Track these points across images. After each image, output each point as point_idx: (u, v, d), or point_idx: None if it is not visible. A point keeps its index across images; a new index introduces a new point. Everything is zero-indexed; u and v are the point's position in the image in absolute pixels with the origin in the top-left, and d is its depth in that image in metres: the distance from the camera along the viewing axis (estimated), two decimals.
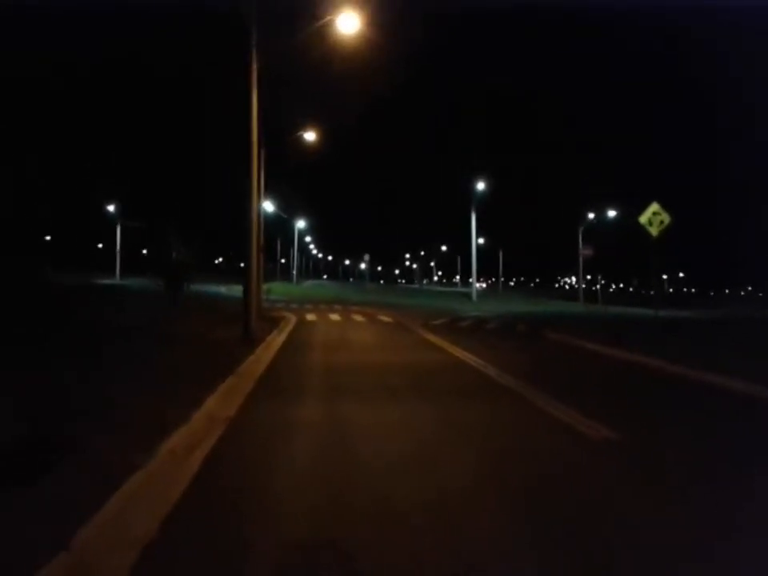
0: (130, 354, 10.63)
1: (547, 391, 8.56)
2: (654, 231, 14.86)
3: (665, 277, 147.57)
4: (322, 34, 14.13)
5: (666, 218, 14.78)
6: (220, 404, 7.36)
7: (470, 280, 55.20)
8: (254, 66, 13.14)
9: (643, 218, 14.98)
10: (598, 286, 60.74)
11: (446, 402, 7.79)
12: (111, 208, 68.10)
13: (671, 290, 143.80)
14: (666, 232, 14.76)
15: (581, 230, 56.56)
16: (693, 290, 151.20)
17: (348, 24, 12.83)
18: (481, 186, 44.67)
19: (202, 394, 7.33)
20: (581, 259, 26.37)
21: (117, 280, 60.81)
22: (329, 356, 12.32)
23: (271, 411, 7.23)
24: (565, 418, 7.04)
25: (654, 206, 14.89)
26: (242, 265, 14.08)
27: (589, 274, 68.43)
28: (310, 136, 27.34)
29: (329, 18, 12.73)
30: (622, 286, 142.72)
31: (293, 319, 22.08)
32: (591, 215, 57.10)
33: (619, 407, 7.96)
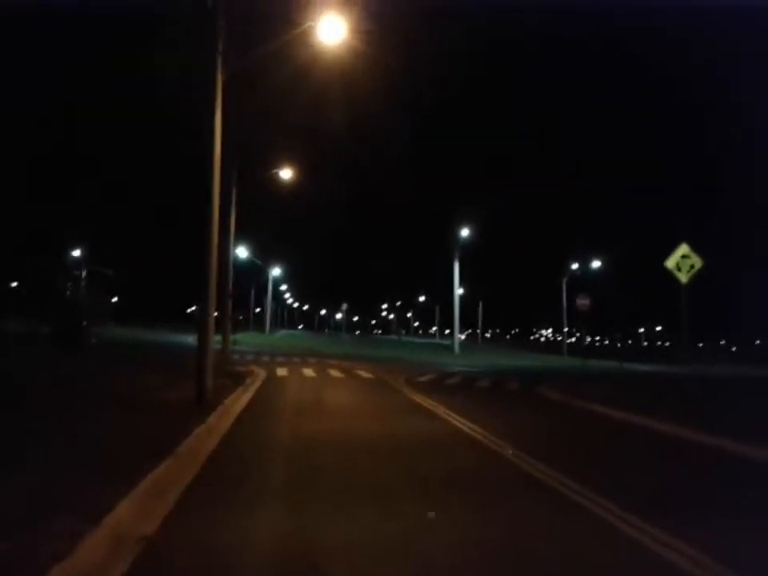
0: (33, 423, 8.24)
1: (599, 487, 6.32)
2: (683, 277, 13.00)
3: (641, 330, 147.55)
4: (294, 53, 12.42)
5: (696, 261, 12.97)
6: (138, 510, 5.06)
7: (452, 332, 53.24)
8: (219, 77, 11.20)
9: (671, 262, 13.13)
10: (588, 339, 59.23)
11: (468, 516, 5.41)
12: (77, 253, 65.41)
13: (645, 343, 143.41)
14: (696, 277, 12.92)
15: (564, 281, 55.45)
16: (667, 343, 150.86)
17: (330, 33, 11.02)
18: (465, 233, 43.25)
19: (114, 492, 5.03)
20: (577, 311, 24.44)
21: None
22: (300, 426, 10.02)
23: (213, 525, 4.94)
24: (667, 553, 4.59)
25: (683, 248, 13.07)
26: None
27: (567, 327, 67.05)
28: (285, 174, 25.57)
29: (308, 24, 10.91)
30: (603, 339, 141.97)
31: (261, 374, 19.70)
32: (575, 266, 56.28)
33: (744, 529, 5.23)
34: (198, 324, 11.63)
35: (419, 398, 14.60)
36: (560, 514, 5.47)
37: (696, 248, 13.01)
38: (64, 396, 10.71)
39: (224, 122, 12.12)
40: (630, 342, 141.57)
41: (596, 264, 55.01)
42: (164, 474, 6.16)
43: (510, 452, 8.17)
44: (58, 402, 10.08)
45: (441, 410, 12.40)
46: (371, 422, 10.56)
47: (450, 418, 11.30)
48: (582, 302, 24.48)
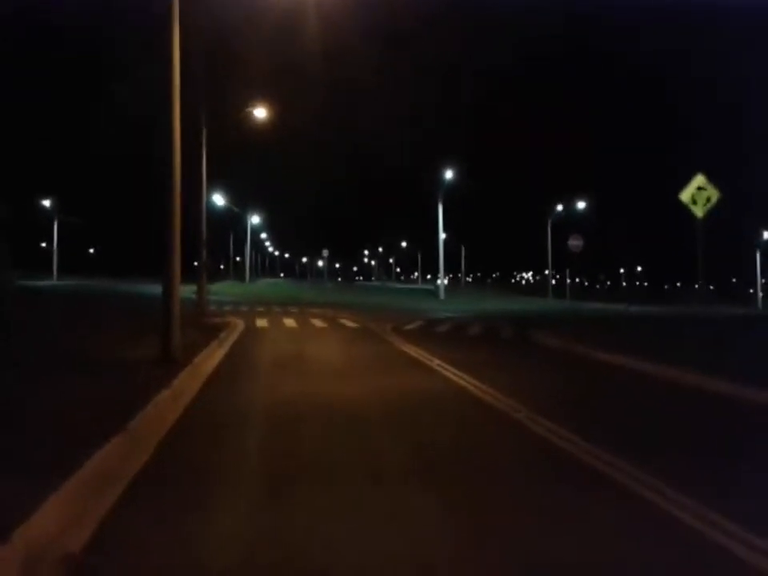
0: None
1: (656, 468, 5.10)
2: (699, 211, 11.79)
3: (621, 270, 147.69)
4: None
5: (713, 193, 11.73)
6: (66, 515, 3.86)
7: (436, 277, 52.24)
8: None
9: (685, 196, 11.88)
10: (568, 281, 58.44)
11: (494, 516, 4.14)
12: (47, 203, 62.69)
13: (624, 283, 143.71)
14: (712, 211, 11.72)
15: (549, 222, 54.30)
16: (645, 283, 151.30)
17: None
18: (449, 175, 41.63)
19: (35, 490, 3.82)
20: (570, 251, 23.37)
21: (54, 281, 55.84)
22: (279, 387, 8.81)
23: (162, 533, 3.76)
24: None
25: (699, 179, 11.81)
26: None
27: (548, 269, 66.35)
28: (260, 113, 23.80)
29: None
30: (584, 281, 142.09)
31: (239, 326, 18.43)
32: (560, 207, 55.05)
33: None
34: (162, 272, 10.26)
35: (409, 349, 13.49)
36: (621, 512, 4.28)
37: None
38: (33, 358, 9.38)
39: (184, 45, 10.53)
40: (608, 282, 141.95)
41: (581, 205, 53.84)
42: (108, 458, 4.94)
43: (523, 414, 7.07)
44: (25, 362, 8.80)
45: (435, 363, 11.30)
46: (359, 380, 9.40)
47: (446, 372, 10.20)
48: (575, 242, 23.40)
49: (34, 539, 3.49)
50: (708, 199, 11.78)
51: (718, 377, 9.00)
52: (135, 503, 4.25)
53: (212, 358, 11.51)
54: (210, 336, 13.88)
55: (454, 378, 9.66)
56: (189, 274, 26.63)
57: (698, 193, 11.80)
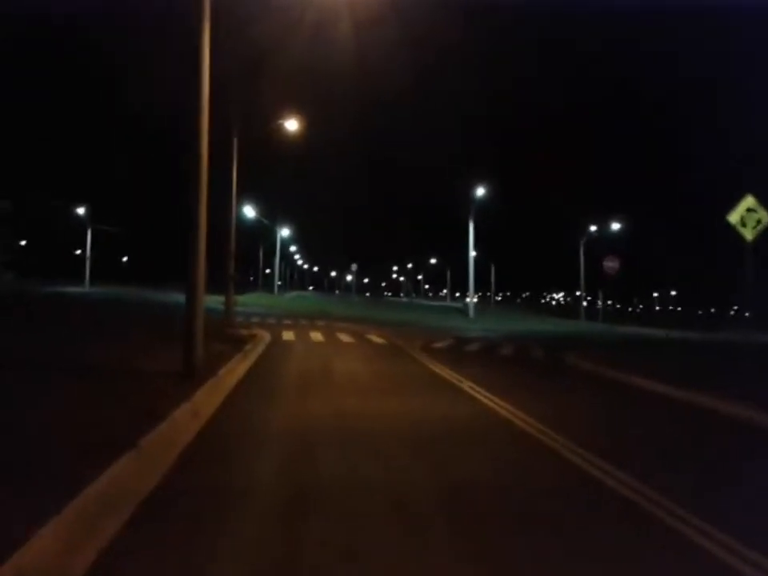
0: None
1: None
2: (748, 234, 11.13)
3: (655, 294, 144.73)
4: None
5: (764, 215, 11.06)
6: (50, 562, 3.47)
7: (465, 294, 51.48)
8: None
9: (734, 217, 11.24)
10: (600, 303, 57.31)
11: None
12: (81, 210, 63.62)
13: (657, 308, 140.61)
14: (762, 233, 11.05)
15: (582, 242, 53.33)
16: (678, 308, 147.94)
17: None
18: (480, 192, 41.07)
19: (19, 528, 3.43)
20: (605, 273, 22.58)
21: (86, 288, 56.51)
22: (302, 407, 8.36)
23: (166, 565, 3.36)
24: None
25: (749, 201, 11.17)
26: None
27: (579, 291, 65.11)
28: (291, 125, 23.61)
29: None
30: (616, 304, 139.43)
31: (265, 338, 18.13)
32: (593, 227, 54.08)
33: None
34: (186, 279, 9.94)
35: (439, 369, 12.98)
36: None
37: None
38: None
39: (215, 51, 10.30)
40: (641, 306, 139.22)
41: (615, 226, 52.82)
42: (108, 487, 4.55)
43: (570, 449, 6.52)
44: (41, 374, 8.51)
45: (466, 385, 10.78)
46: (387, 402, 8.92)
47: (479, 396, 9.67)
48: (611, 264, 22.60)
49: (29, 567, 3.16)
50: (758, 221, 11.11)
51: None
52: (139, 532, 3.86)
53: (235, 371, 11.16)
54: (234, 348, 13.55)
55: (485, 401, 9.14)
56: (217, 285, 26.65)
57: (747, 215, 11.15)
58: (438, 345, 19.58)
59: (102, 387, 7.85)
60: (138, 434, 5.56)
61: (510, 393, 9.84)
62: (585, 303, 63.36)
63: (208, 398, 8.28)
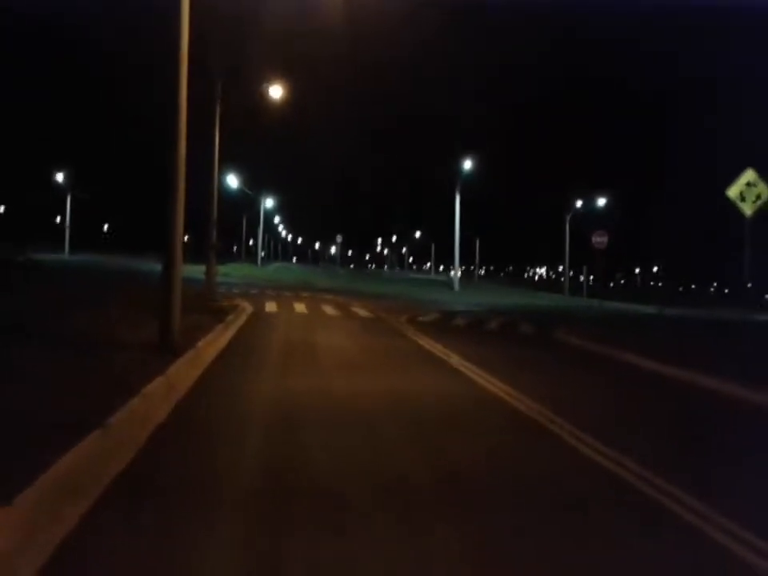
0: None
1: None
2: (747, 209, 10.78)
3: (637, 270, 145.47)
4: None
5: (764, 190, 10.70)
6: (18, 530, 3.07)
7: (449, 268, 51.18)
8: None
9: (733, 191, 10.85)
10: (583, 278, 57.29)
11: None
12: (60, 177, 62.09)
13: (636, 283, 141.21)
14: (762, 209, 10.70)
15: (568, 217, 53.09)
16: (659, 284, 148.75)
17: None
18: (468, 165, 40.50)
19: None
20: (593, 248, 22.37)
21: (65, 255, 55.40)
22: (284, 382, 7.93)
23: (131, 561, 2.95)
24: None
25: (749, 174, 10.78)
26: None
27: (564, 266, 64.98)
28: (275, 91, 22.78)
29: None
30: (595, 279, 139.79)
31: (248, 309, 17.63)
32: (579, 203, 53.79)
33: None
34: (164, 248, 9.41)
35: (426, 343, 12.61)
36: None
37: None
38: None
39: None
40: (622, 281, 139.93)
41: (601, 201, 52.65)
42: (78, 463, 4.14)
43: (558, 424, 6.19)
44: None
45: (454, 360, 10.43)
46: (373, 378, 8.54)
47: (468, 372, 9.31)
48: (600, 239, 22.40)
49: None
50: (758, 196, 10.75)
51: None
52: (103, 521, 3.46)
53: (215, 343, 10.71)
54: (215, 319, 13.06)
55: (477, 379, 8.79)
56: (199, 255, 25.93)
57: (747, 189, 10.78)
58: (424, 318, 19.23)
59: (72, 360, 7.35)
60: (108, 411, 5.13)
61: (500, 369, 9.49)
62: (564, 278, 63.33)
63: (185, 372, 7.83)
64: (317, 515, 3.78)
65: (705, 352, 12.29)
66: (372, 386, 7.84)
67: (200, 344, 9.63)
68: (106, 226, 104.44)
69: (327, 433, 5.65)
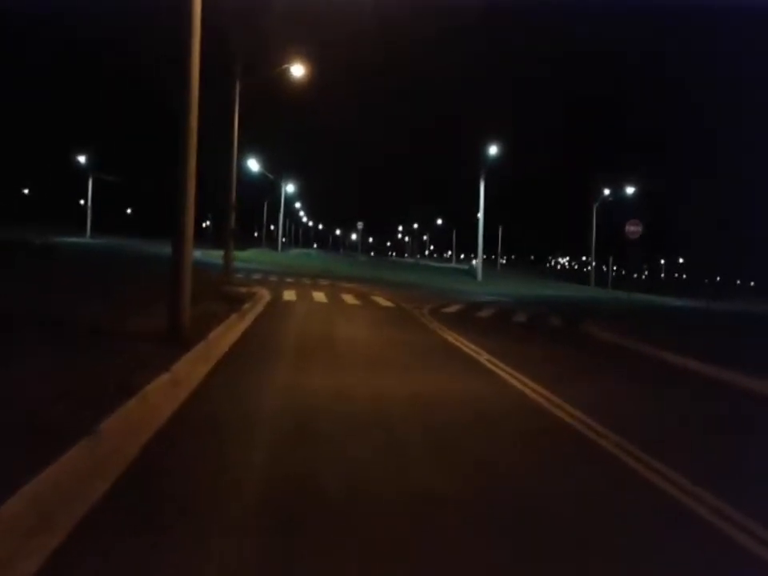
0: None
1: None
2: None
3: (662, 261, 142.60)
4: None
5: None
6: None
7: (470, 256, 50.22)
8: None
9: None
10: (608, 269, 56.05)
11: None
12: (82, 159, 61.95)
13: (662, 275, 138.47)
14: None
15: (596, 206, 51.76)
16: (684, 275, 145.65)
17: None
18: (493, 150, 39.40)
19: None
20: (627, 239, 21.35)
21: (86, 238, 55.38)
22: (299, 380, 7.21)
23: None
24: None
25: None
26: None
27: (590, 256, 63.52)
28: (297, 70, 22.04)
29: None
30: (619, 270, 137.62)
31: (265, 297, 17.01)
32: (607, 191, 52.41)
33: None
34: (172, 233, 8.76)
35: (452, 338, 11.86)
36: None
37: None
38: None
39: None
40: (646, 273, 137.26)
41: (629, 190, 51.17)
42: (61, 477, 3.51)
43: (609, 440, 5.44)
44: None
45: (483, 357, 9.68)
46: (397, 378, 7.81)
47: (500, 371, 8.56)
48: (634, 228, 21.33)
49: None
50: None
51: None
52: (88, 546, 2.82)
53: (229, 333, 10.08)
54: (231, 308, 12.42)
55: (508, 379, 8.04)
56: (219, 241, 25.38)
57: None
58: (449, 309, 18.47)
59: (74, 352, 6.73)
60: (100, 415, 4.50)
61: (534, 369, 8.74)
62: (589, 268, 62.09)
63: (193, 367, 7.20)
64: (333, 552, 3.10)
65: (736, 349, 11.50)
66: (396, 389, 7.11)
67: (211, 335, 9.00)
68: (129, 210, 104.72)
69: (346, 445, 4.94)
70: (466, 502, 3.97)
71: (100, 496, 3.62)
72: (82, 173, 63.10)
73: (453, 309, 18.84)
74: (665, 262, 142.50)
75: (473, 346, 10.72)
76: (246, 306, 13.70)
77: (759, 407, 8.20)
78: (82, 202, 73.40)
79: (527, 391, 7.43)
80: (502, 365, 9.00)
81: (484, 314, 18.27)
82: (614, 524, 3.84)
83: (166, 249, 8.88)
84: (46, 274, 15.45)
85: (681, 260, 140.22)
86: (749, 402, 8.41)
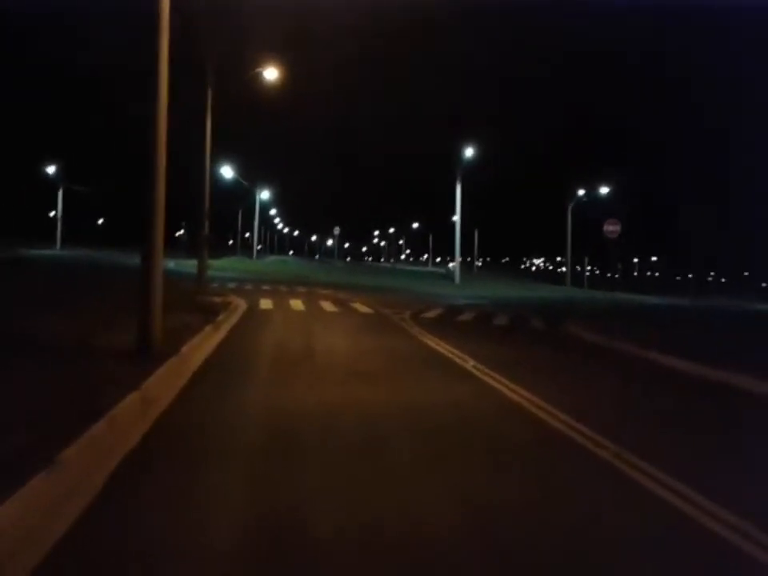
0: None
1: None
2: None
3: (635, 260, 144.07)
4: None
5: None
6: None
7: (446, 260, 50.15)
8: None
9: None
10: (583, 269, 56.42)
11: None
12: (51, 170, 60.67)
13: (635, 273, 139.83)
14: None
15: (570, 206, 52.01)
16: (656, 273, 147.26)
17: None
18: (469, 152, 39.33)
19: None
20: (606, 238, 21.29)
21: (56, 250, 54.21)
22: (278, 395, 6.83)
23: None
24: None
25: None
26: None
27: (565, 257, 63.90)
28: (270, 74, 21.68)
29: None
30: (592, 269, 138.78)
31: (241, 307, 16.56)
32: (581, 192, 52.69)
33: None
34: (142, 240, 8.32)
35: (435, 343, 11.57)
36: None
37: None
38: None
39: None
40: (618, 273, 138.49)
41: (604, 190, 51.49)
42: (13, 518, 3.11)
43: (611, 452, 5.15)
44: None
45: (470, 363, 9.38)
46: (381, 388, 7.47)
47: (488, 379, 8.25)
48: (612, 227, 21.26)
49: None
50: None
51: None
52: None
53: (203, 346, 9.65)
54: (205, 319, 11.98)
55: (498, 386, 7.74)
56: (195, 249, 24.85)
57: None
58: (429, 314, 18.17)
59: (27, 371, 6.28)
60: (61, 443, 4.09)
61: (520, 372, 8.48)
62: (563, 269, 62.48)
63: (166, 383, 6.79)
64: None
65: (723, 347, 11.31)
66: (380, 400, 6.76)
67: (185, 349, 8.56)
68: (100, 221, 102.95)
69: (330, 469, 4.58)
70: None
71: (58, 539, 3.23)
72: (51, 184, 61.86)
73: (433, 313, 18.55)
74: (637, 261, 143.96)
75: (457, 352, 10.42)
76: (221, 316, 13.25)
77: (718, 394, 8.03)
78: (52, 213, 71.91)
79: (517, 398, 7.13)
80: (485, 369, 8.74)
81: (465, 317, 18.01)
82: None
83: (137, 259, 8.41)
84: (8, 287, 14.82)
85: (654, 258, 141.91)
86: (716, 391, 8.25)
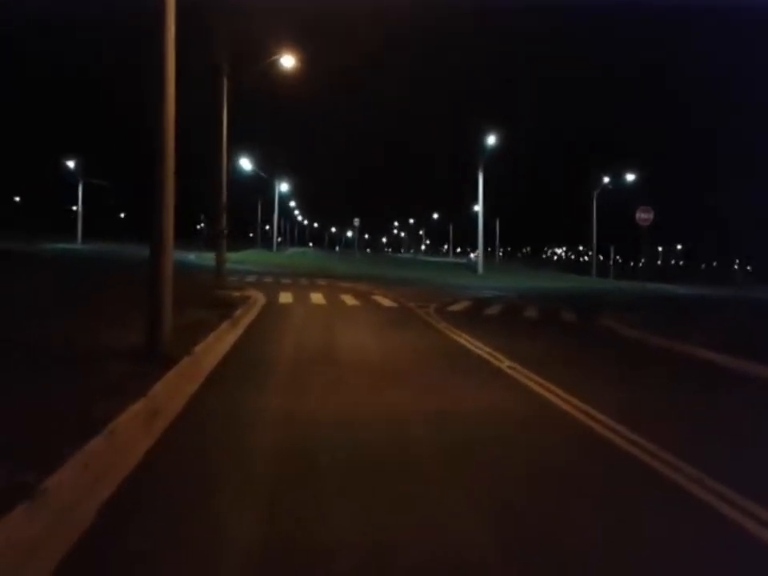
0: None
1: None
2: None
3: (660, 249, 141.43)
4: None
5: None
6: None
7: (466, 250, 49.39)
8: None
9: None
10: (610, 258, 55.21)
11: None
12: (72, 164, 60.74)
13: (658, 262, 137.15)
14: None
15: (595, 194, 50.74)
16: (680, 262, 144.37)
17: None
18: (491, 140, 38.31)
19: None
20: (638, 226, 20.47)
21: (77, 244, 54.27)
22: (297, 404, 6.15)
23: None
24: None
25: None
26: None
27: (590, 245, 62.55)
28: (287, 62, 20.97)
29: None
30: (616, 259, 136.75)
31: (260, 301, 15.99)
32: (606, 179, 51.40)
33: None
34: (150, 234, 7.73)
35: (464, 340, 10.86)
36: None
37: None
38: None
39: None
40: (642, 261, 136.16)
41: (630, 177, 50.11)
42: None
43: (684, 474, 4.44)
44: None
45: (505, 364, 8.68)
46: (411, 394, 6.78)
47: (524, 379, 7.56)
48: (645, 215, 20.49)
49: None
50: None
51: None
52: None
53: (218, 345, 9.07)
54: (222, 314, 11.39)
55: (540, 391, 7.03)
56: (211, 242, 24.30)
57: None
58: (455, 307, 17.45)
59: (25, 378, 5.72)
60: (50, 466, 3.50)
61: (561, 374, 7.78)
62: (585, 258, 61.29)
63: (176, 388, 6.21)
64: None
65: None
66: (410, 410, 6.08)
67: (198, 349, 7.96)
68: (122, 214, 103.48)
69: (356, 493, 3.94)
70: None
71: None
72: (72, 178, 61.97)
73: (459, 307, 17.81)
74: (662, 250, 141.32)
75: (488, 350, 9.72)
76: (239, 311, 12.68)
77: None
78: (74, 207, 72.07)
79: (566, 407, 6.41)
80: (522, 369, 8.05)
81: (492, 311, 17.26)
82: None
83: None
84: (30, 285, 14.38)
85: (679, 246, 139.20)
86: None
